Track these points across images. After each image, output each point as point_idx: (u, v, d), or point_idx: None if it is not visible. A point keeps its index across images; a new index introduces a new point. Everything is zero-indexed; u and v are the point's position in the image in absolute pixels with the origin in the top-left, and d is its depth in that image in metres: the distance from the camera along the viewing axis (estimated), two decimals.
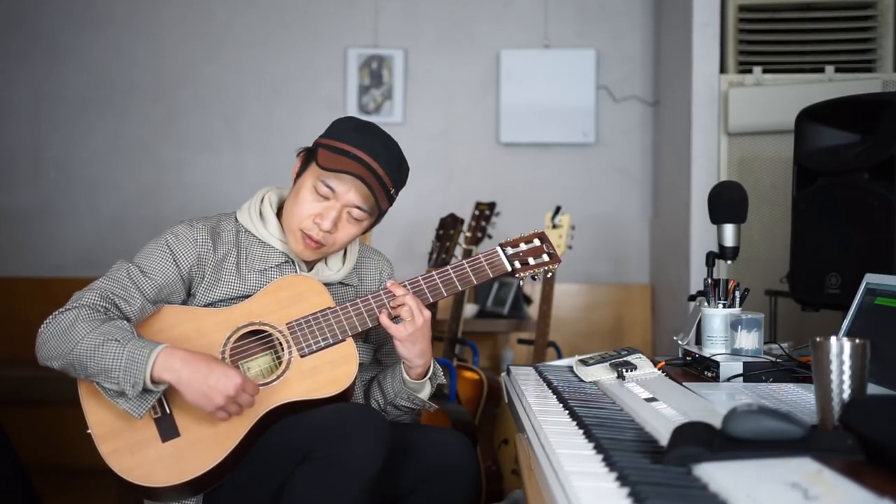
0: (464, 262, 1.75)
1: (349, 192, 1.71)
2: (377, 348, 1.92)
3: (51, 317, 1.62)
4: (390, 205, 1.78)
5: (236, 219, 1.81)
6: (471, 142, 4.37)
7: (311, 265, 1.82)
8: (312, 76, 4.37)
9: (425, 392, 1.81)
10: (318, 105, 4.33)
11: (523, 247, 1.78)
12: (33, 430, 3.56)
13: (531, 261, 1.77)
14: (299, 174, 1.77)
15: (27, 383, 3.72)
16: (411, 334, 1.68)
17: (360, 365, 1.80)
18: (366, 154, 1.69)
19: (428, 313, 1.70)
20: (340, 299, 1.80)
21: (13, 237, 4.44)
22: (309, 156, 1.77)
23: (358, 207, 1.72)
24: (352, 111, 4.32)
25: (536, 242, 1.79)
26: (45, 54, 4.43)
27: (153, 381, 1.54)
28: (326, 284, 1.78)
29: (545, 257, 1.78)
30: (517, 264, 1.76)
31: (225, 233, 1.77)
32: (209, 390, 1.53)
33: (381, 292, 1.72)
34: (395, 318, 1.70)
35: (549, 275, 1.83)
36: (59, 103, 4.44)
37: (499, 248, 1.77)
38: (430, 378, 1.79)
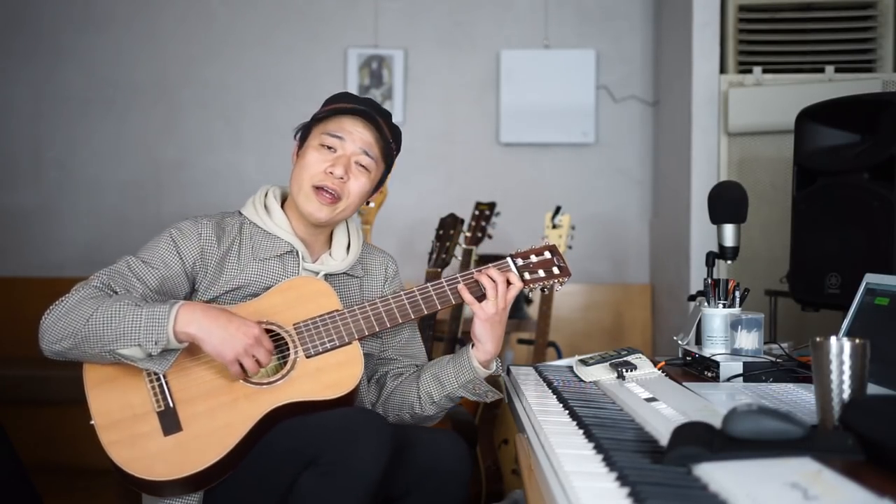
0: (472, 271, 1.74)
1: (354, 135, 1.76)
2: (383, 348, 1.90)
3: (52, 305, 1.62)
4: (392, 161, 1.84)
5: (240, 213, 1.83)
6: (471, 142, 4.36)
7: (315, 256, 1.82)
8: (312, 76, 4.37)
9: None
10: (319, 105, 4.26)
11: (534, 259, 1.78)
12: (33, 430, 3.56)
13: (541, 272, 1.77)
14: (300, 147, 1.81)
15: (27, 383, 3.72)
16: (491, 316, 1.70)
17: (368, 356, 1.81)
18: (361, 104, 1.80)
19: (511, 299, 1.72)
20: (345, 291, 1.83)
21: (13, 237, 4.44)
22: (307, 127, 1.83)
23: (365, 153, 1.76)
24: None
25: (547, 255, 1.79)
26: (46, 54, 4.43)
27: (176, 338, 1.56)
28: (331, 275, 1.80)
29: (555, 270, 1.78)
30: (527, 276, 1.76)
31: (229, 227, 1.79)
32: (230, 337, 1.56)
33: (444, 282, 1.72)
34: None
35: (559, 289, 1.81)
36: (59, 103, 4.43)
37: (510, 259, 1.77)
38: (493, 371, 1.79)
